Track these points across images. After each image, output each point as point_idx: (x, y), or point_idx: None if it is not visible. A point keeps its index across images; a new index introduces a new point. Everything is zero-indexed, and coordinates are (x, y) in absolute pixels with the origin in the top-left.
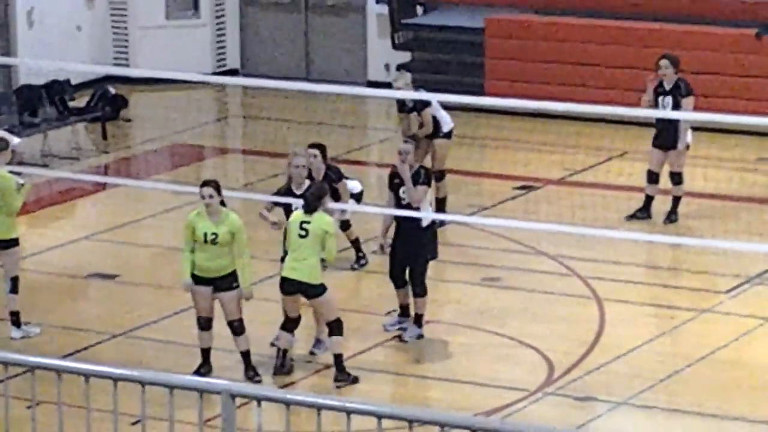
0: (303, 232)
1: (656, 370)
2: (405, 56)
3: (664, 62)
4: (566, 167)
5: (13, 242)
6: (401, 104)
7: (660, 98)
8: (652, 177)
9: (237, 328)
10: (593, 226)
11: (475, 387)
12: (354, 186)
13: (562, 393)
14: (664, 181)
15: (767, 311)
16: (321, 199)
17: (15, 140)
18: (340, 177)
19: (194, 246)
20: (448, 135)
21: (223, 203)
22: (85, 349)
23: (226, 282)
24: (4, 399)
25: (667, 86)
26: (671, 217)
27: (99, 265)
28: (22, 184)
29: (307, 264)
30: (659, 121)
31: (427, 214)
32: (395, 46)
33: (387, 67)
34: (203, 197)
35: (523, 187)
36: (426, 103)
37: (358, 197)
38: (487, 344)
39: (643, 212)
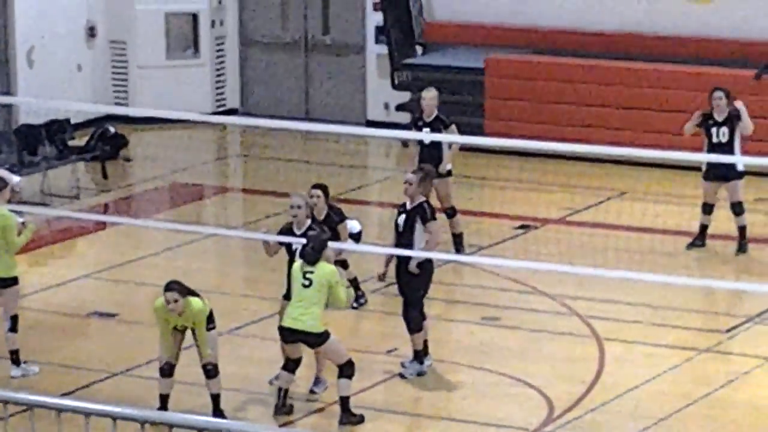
0: (306, 282)
1: (656, 409)
2: (404, 96)
3: (717, 93)
4: (566, 207)
5: (13, 281)
6: (417, 117)
7: (714, 129)
8: (707, 208)
9: (210, 371)
10: (593, 265)
11: (475, 426)
12: (353, 226)
13: None
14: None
15: (766, 351)
16: (321, 252)
17: (14, 179)
18: (342, 218)
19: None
20: (449, 173)
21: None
22: (85, 387)
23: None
24: None
25: (720, 117)
26: (742, 248)
27: (99, 304)
28: (23, 223)
29: (309, 314)
30: (713, 152)
31: (419, 252)
32: (395, 86)
33: (386, 106)
34: (168, 302)
35: (522, 227)
36: (447, 126)
37: (357, 237)
38: (487, 383)
39: (701, 240)
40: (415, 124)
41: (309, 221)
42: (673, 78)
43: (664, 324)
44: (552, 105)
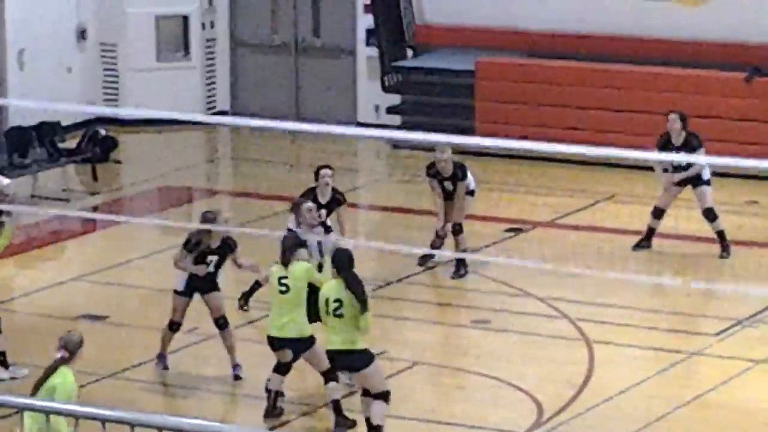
0: (283, 288)
1: (645, 412)
2: (395, 99)
3: (672, 116)
4: (556, 210)
5: None
6: (434, 171)
7: (673, 153)
8: (658, 213)
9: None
10: (582, 268)
11: (465, 429)
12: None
13: None
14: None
15: (756, 354)
16: (294, 250)
17: (5, 181)
18: (344, 199)
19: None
20: (472, 193)
21: None
22: None
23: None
24: None
25: (676, 142)
26: (725, 251)
27: (88, 307)
28: (2, 223)
29: (292, 320)
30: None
31: (414, 249)
32: (385, 89)
33: (377, 109)
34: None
35: (512, 230)
36: (464, 177)
37: None
38: (476, 386)
39: (647, 242)
40: (436, 179)
41: (219, 241)
42: (664, 81)
43: (654, 327)
44: (543, 107)
